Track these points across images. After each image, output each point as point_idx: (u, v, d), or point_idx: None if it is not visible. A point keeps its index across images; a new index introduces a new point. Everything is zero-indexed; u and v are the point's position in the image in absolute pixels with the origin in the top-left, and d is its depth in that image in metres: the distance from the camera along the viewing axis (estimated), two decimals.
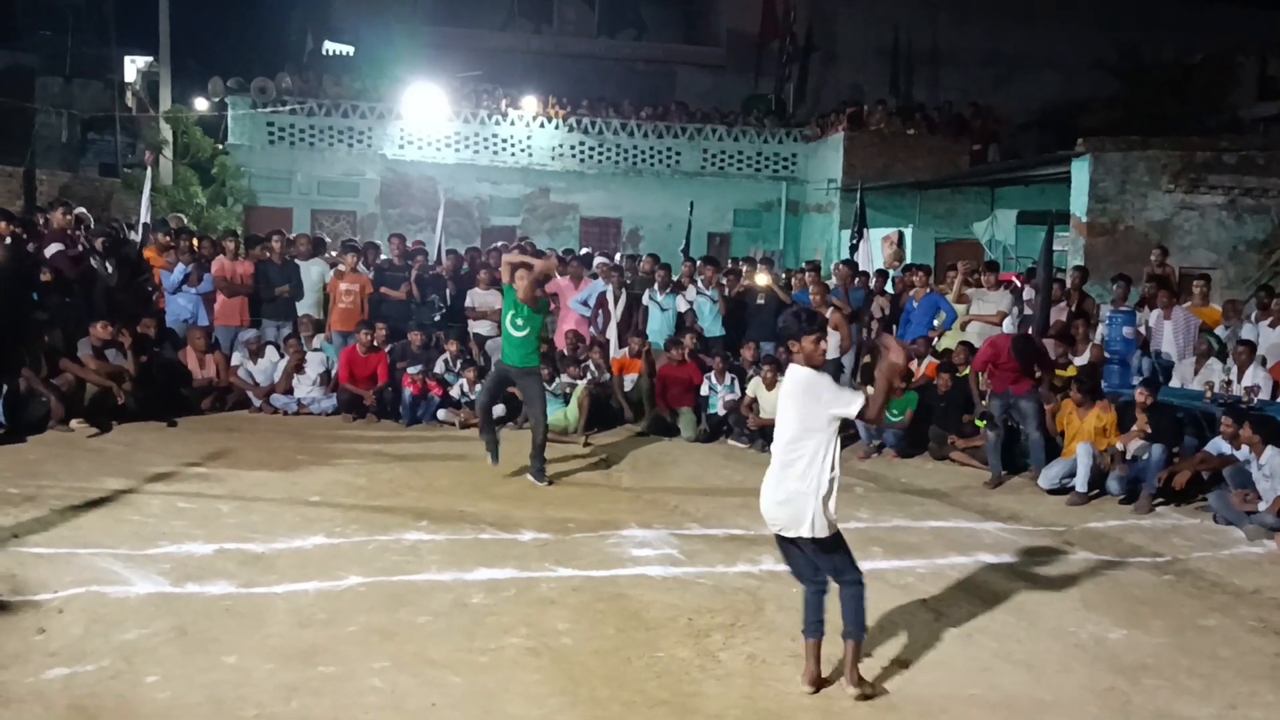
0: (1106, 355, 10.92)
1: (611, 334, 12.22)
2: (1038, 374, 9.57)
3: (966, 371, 10.70)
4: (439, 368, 11.55)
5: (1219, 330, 11.34)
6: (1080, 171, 15.29)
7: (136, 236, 13.80)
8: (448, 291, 12.84)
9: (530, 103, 24.29)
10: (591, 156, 24.19)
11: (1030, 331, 11.36)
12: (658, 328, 12.16)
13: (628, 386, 11.62)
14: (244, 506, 7.44)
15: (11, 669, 4.56)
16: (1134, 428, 8.94)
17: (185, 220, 15.96)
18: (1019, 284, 13.08)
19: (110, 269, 11.23)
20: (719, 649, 5.18)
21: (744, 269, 13.63)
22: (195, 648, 4.91)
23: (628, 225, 24.52)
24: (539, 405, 8.61)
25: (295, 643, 5.03)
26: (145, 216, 13.65)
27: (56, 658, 4.71)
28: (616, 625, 5.43)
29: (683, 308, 12.39)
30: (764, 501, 4.79)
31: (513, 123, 23.81)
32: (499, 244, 15.81)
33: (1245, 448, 8.23)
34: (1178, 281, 12.58)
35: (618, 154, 24.31)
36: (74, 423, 9.66)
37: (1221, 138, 16.99)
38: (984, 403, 9.87)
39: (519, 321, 8.46)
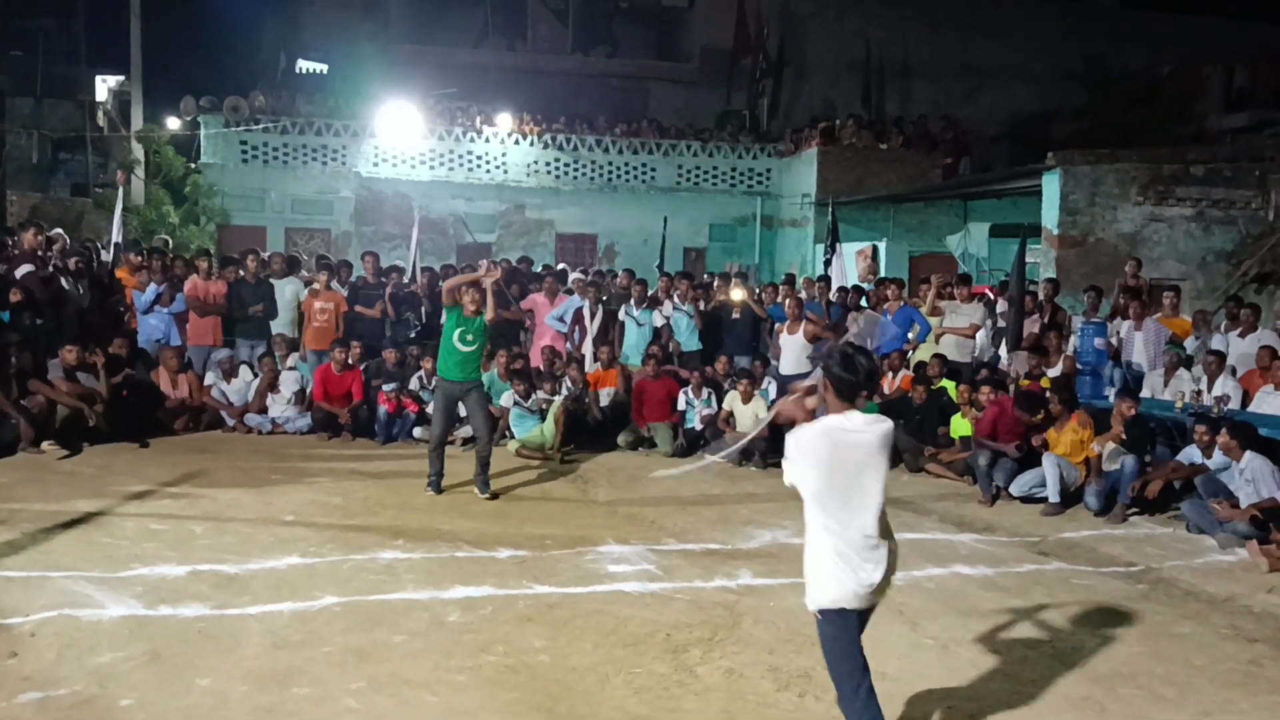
0: (1079, 366, 11.00)
1: (588, 349, 12.22)
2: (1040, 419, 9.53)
3: (941, 384, 10.77)
4: (414, 385, 11.51)
5: (1188, 341, 11.45)
6: (1051, 184, 15.43)
7: (108, 256, 13.70)
8: (423, 309, 12.81)
9: (505, 119, 24.30)
10: (566, 173, 24.22)
11: (1006, 347, 11.47)
12: (634, 343, 12.17)
13: (604, 401, 11.62)
14: (218, 527, 7.38)
15: None
16: (1109, 432, 9.01)
17: (170, 241, 15.87)
18: (992, 297, 13.18)
19: (82, 290, 11.15)
20: (697, 664, 5.18)
21: (716, 284, 13.68)
22: (169, 671, 4.86)
23: (603, 241, 24.54)
24: (485, 417, 8.73)
25: (270, 664, 4.99)
26: (117, 236, 13.56)
27: (30, 682, 4.65)
28: (594, 641, 5.42)
29: (659, 323, 12.41)
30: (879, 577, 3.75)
31: (487, 140, 23.81)
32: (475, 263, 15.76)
33: (1218, 456, 8.31)
34: (1148, 292, 12.71)
35: (592, 170, 24.36)
36: (45, 444, 9.57)
37: (1189, 150, 17.17)
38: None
39: (469, 337, 8.55)
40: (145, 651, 5.07)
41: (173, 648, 5.14)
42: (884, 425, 3.76)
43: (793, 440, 3.78)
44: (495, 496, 8.65)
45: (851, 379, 3.73)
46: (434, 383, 8.71)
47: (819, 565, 3.78)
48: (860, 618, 3.77)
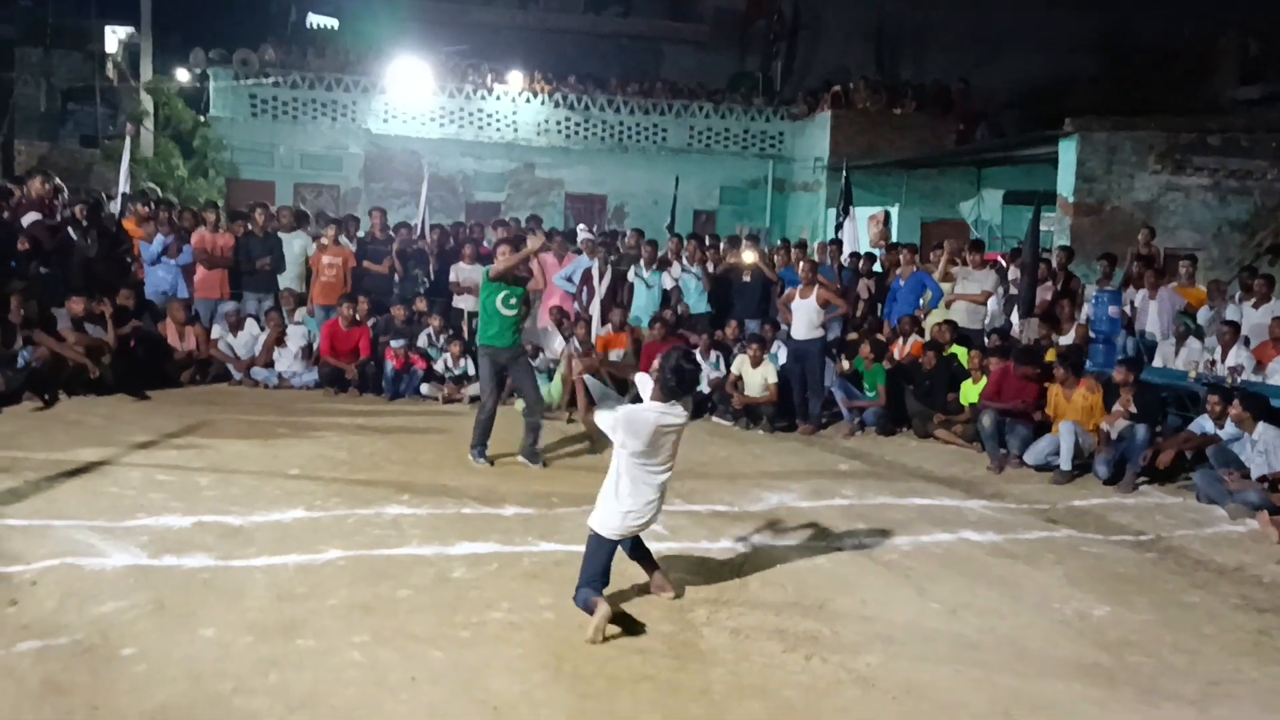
0: (1091, 335, 10.91)
1: (595, 310, 12.13)
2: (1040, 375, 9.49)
3: (952, 350, 10.69)
4: (422, 341, 11.46)
5: (1203, 311, 11.35)
6: (1067, 151, 15.27)
7: (116, 208, 13.62)
8: (431, 266, 12.73)
9: (515, 78, 24.09)
10: (577, 132, 24.04)
11: (1016, 311, 11.38)
12: (643, 304, 12.08)
13: (613, 356, 11.54)
14: (223, 479, 7.36)
15: None
16: (1116, 406, 8.95)
17: (160, 191, 15.76)
18: (1004, 264, 13.06)
19: (89, 240, 11.08)
20: (703, 624, 5.14)
21: (724, 247, 13.57)
22: (173, 621, 4.84)
23: (613, 202, 24.40)
24: (534, 384, 8.50)
25: (274, 616, 4.96)
26: (124, 187, 13.48)
27: (29, 630, 4.63)
28: None
29: (668, 285, 12.31)
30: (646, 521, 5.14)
31: (498, 98, 23.62)
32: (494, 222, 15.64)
33: (1230, 426, 8.24)
34: (1162, 262, 12.59)
35: (603, 130, 24.17)
36: (38, 396, 9.51)
37: (1207, 119, 16.97)
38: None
39: (512, 300, 8.27)
40: (149, 601, 5.04)
41: (176, 598, 5.11)
42: (685, 415, 5.14)
43: (628, 415, 4.95)
44: (546, 466, 8.39)
45: (675, 386, 5.03)
46: (479, 351, 8.46)
47: (608, 500, 5.04)
48: (620, 543, 5.12)
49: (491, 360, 8.35)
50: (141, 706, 4.01)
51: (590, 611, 4.87)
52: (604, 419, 5.00)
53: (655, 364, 5.15)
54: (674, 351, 5.21)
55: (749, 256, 12.44)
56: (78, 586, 5.17)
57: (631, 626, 4.96)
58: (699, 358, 11.10)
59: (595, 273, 12.21)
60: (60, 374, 9.72)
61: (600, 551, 5.03)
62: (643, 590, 5.47)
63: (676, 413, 5.07)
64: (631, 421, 4.95)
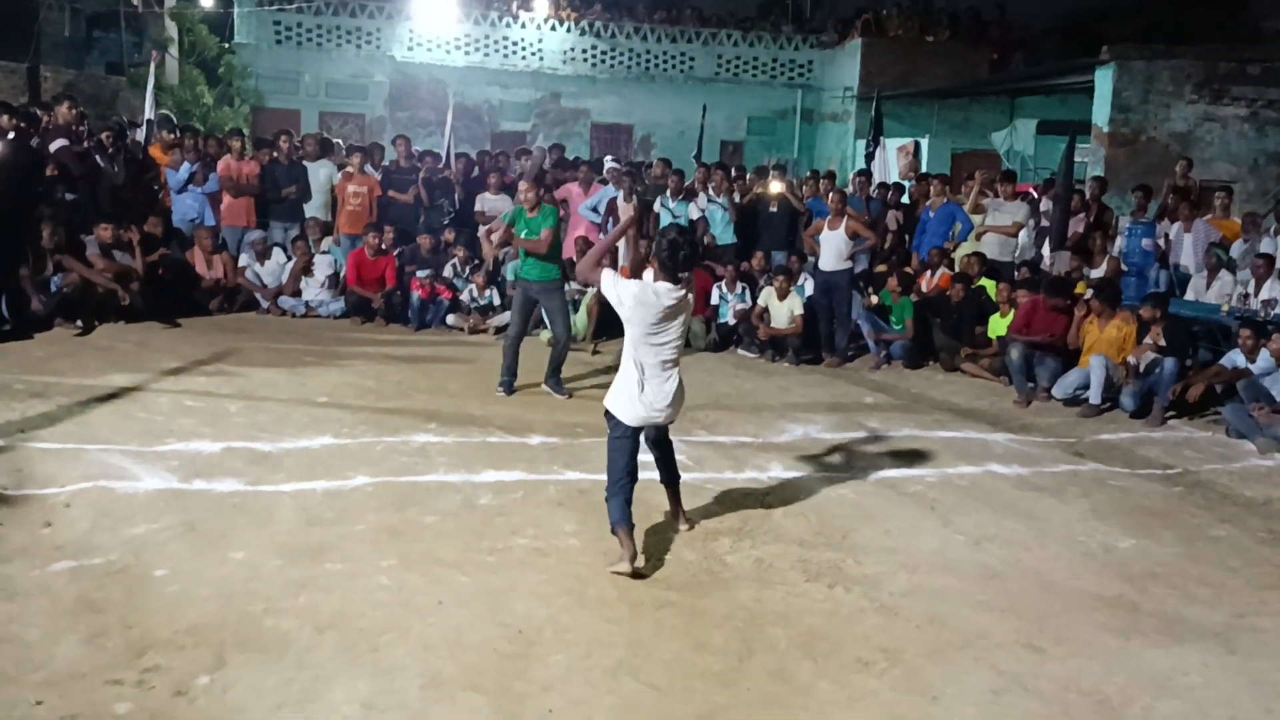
0: (1124, 268, 10.76)
1: (621, 240, 12.04)
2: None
3: (980, 283, 10.58)
4: (448, 272, 11.45)
5: (1237, 244, 11.15)
6: (1104, 80, 14.95)
7: (141, 135, 13.60)
8: (456, 196, 12.67)
9: (541, 5, 23.81)
10: (603, 61, 23.76)
11: (1047, 243, 11.24)
12: None
13: None
14: (252, 406, 7.42)
15: (17, 562, 4.57)
16: (1146, 339, 8.85)
17: (174, 119, 15.69)
18: (1036, 195, 12.86)
19: (116, 167, 11.07)
20: (726, 553, 5.17)
21: (750, 177, 13.42)
22: (203, 543, 4.92)
23: (639, 132, 24.18)
24: (564, 321, 8.50)
25: (303, 540, 5.03)
26: (150, 113, 13.44)
27: (63, 551, 4.71)
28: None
29: (694, 215, 12.20)
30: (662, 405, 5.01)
31: (523, 25, 23.34)
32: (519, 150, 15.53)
33: (1261, 360, 8.15)
34: (1198, 193, 12.35)
35: (630, 58, 23.87)
36: (69, 322, 9.59)
37: (1247, 48, 16.55)
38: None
39: (524, 232, 8.29)
40: (180, 523, 5.12)
41: (207, 520, 5.19)
42: (681, 293, 4.95)
43: (618, 283, 4.92)
44: (571, 396, 8.40)
45: (670, 262, 4.90)
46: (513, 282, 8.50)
47: (623, 384, 5.00)
48: (641, 432, 5.08)
49: (522, 291, 8.44)
50: (174, 625, 4.08)
51: (615, 533, 4.88)
52: (610, 287, 4.93)
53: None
54: (669, 228, 5.17)
55: (775, 187, 12.29)
56: (110, 508, 5.25)
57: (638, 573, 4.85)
58: (724, 289, 11.08)
59: (621, 202, 12.11)
60: (90, 300, 9.77)
61: (621, 445, 4.99)
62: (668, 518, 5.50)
63: (675, 293, 4.94)
64: (619, 283, 4.91)
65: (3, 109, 10.06)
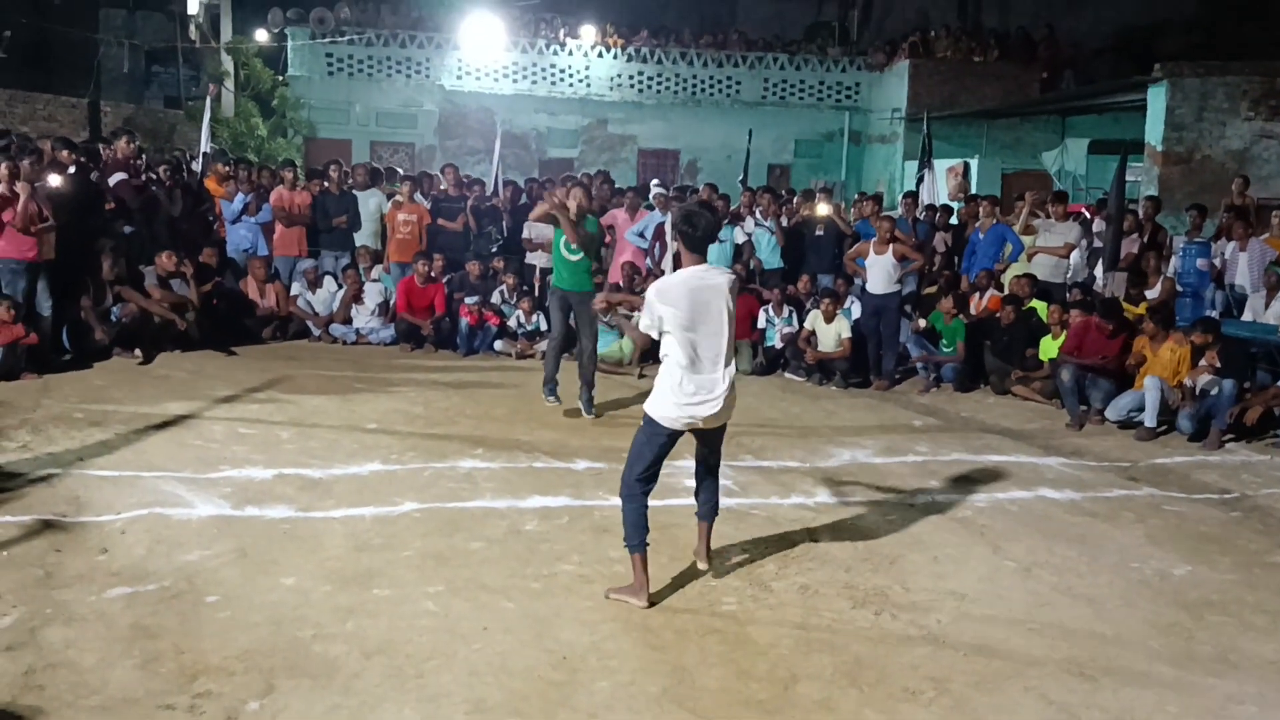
0: (1179, 288, 10.60)
1: (668, 265, 12.07)
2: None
3: (1031, 305, 10.47)
4: (495, 298, 11.56)
5: None
6: (1156, 98, 14.77)
7: (198, 167, 13.90)
8: (504, 223, 12.80)
9: (588, 32, 24.00)
10: (649, 86, 23.90)
11: (1100, 264, 11.08)
12: (715, 259, 11.94)
13: None
14: (303, 433, 7.52)
15: (75, 588, 4.66)
16: (1202, 362, 8.69)
17: (225, 149, 16.02)
18: (1089, 215, 12.71)
19: (174, 199, 11.33)
20: (772, 579, 5.15)
21: (799, 202, 13.39)
22: (255, 569, 4.99)
23: (686, 156, 24.25)
24: (591, 332, 8.52)
25: (352, 566, 5.09)
26: (205, 146, 13.73)
27: (119, 577, 4.80)
28: (670, 554, 5.41)
29: (740, 239, 12.21)
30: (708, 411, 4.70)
31: (570, 52, 23.56)
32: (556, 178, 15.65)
33: None
34: (1255, 212, 12.13)
35: (676, 84, 23.99)
36: (127, 351, 9.80)
37: None
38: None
39: (573, 245, 8.37)
40: (232, 549, 5.20)
41: (258, 547, 5.26)
42: (729, 274, 4.76)
43: (655, 289, 4.63)
44: (599, 417, 8.42)
45: (692, 232, 4.63)
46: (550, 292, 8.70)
47: (662, 385, 4.69)
48: (678, 437, 4.78)
49: (558, 298, 8.57)
50: (225, 650, 4.14)
51: (631, 550, 4.75)
52: (639, 318, 4.78)
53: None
54: (683, 205, 4.94)
55: (822, 209, 12.27)
56: (165, 535, 5.35)
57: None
58: (771, 312, 11.06)
59: (668, 227, 12.14)
60: (148, 330, 9.99)
61: (651, 443, 4.75)
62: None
63: (713, 275, 4.68)
64: (661, 291, 4.61)
65: (63, 144, 10.33)
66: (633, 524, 4.77)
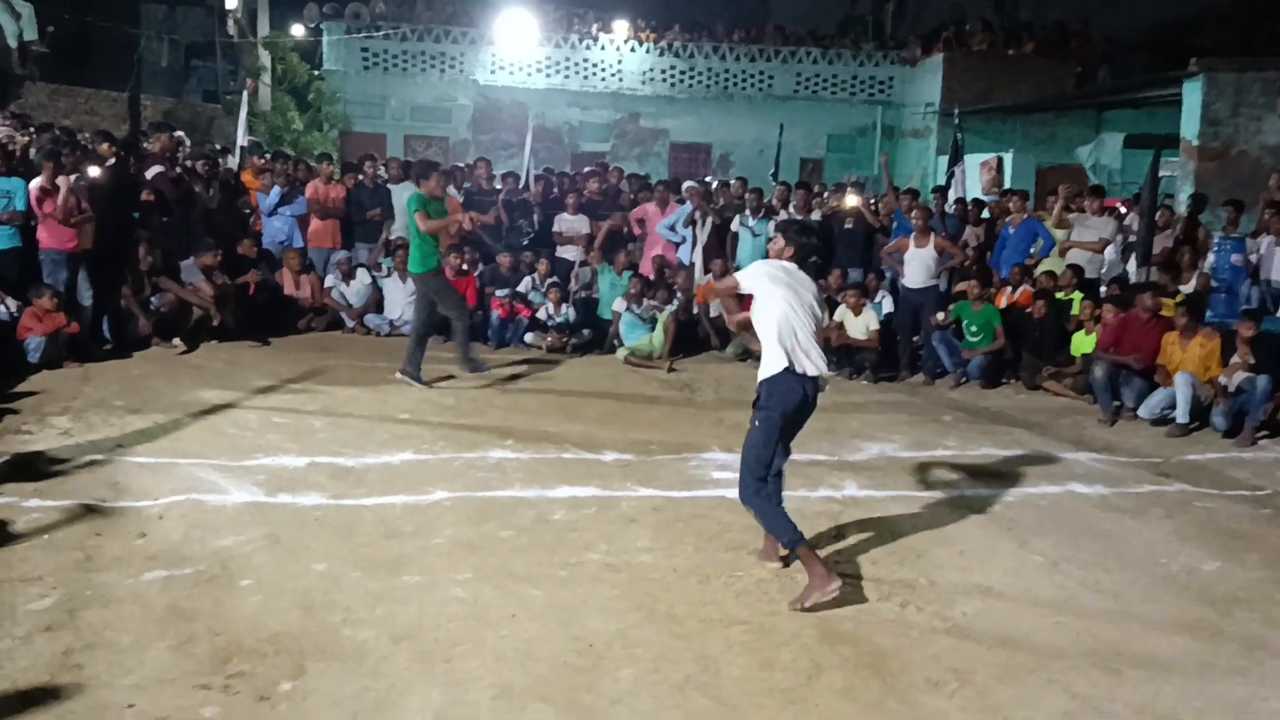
0: (1214, 284, 10.50)
1: (696, 258, 12.11)
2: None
3: (1061, 297, 10.40)
4: (524, 285, 11.64)
5: None
6: (1192, 93, 14.58)
7: (235, 160, 14.08)
8: (535, 217, 12.87)
9: (621, 26, 24.02)
10: (682, 81, 23.89)
11: (1136, 263, 10.98)
12: (748, 253, 11.98)
13: (714, 312, 11.54)
14: (336, 422, 7.63)
15: (113, 571, 4.78)
16: (1235, 358, 8.61)
17: (262, 142, 16.18)
18: (1124, 211, 12.60)
19: (211, 192, 11.49)
20: (798, 570, 5.16)
21: (828, 194, 13.37)
22: (287, 555, 5.08)
23: (718, 151, 24.24)
24: (451, 303, 9.19)
25: (382, 553, 5.17)
26: (242, 140, 13.90)
27: (156, 561, 4.91)
28: (695, 545, 5.46)
29: (773, 234, 12.19)
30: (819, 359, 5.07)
31: (603, 47, 23.59)
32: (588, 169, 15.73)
33: None
34: None
35: (709, 78, 23.96)
36: (170, 341, 9.97)
37: None
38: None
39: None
40: (265, 535, 5.29)
41: (291, 533, 5.36)
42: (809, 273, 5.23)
43: (759, 266, 5.15)
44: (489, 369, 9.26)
45: (807, 243, 5.23)
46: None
47: (771, 350, 4.99)
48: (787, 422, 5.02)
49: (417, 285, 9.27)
50: (257, 634, 4.23)
51: (794, 547, 4.82)
52: (744, 279, 5.11)
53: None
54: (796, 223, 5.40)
55: (850, 202, 12.25)
56: (200, 521, 5.46)
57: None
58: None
59: (697, 220, 12.18)
60: (186, 320, 10.14)
61: (768, 422, 4.94)
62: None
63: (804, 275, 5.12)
64: (766, 265, 5.12)
65: (103, 138, 10.50)
66: (778, 524, 4.87)
